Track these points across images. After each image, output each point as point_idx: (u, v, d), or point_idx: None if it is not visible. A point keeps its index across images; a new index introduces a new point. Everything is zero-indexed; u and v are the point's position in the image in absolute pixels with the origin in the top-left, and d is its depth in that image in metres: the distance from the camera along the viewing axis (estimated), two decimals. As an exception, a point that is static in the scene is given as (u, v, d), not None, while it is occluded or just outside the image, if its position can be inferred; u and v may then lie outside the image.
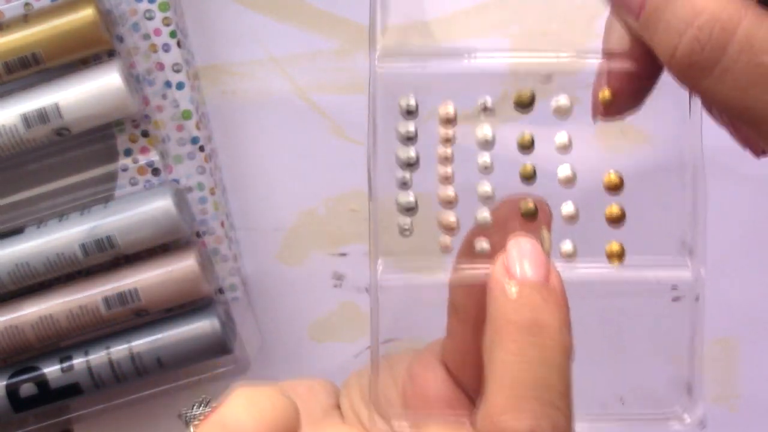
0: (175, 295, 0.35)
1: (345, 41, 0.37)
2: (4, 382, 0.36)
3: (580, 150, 0.27)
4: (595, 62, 0.27)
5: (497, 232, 0.27)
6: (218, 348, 0.36)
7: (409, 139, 0.27)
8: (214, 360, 0.37)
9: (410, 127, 0.27)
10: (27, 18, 0.34)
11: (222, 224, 0.36)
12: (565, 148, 0.27)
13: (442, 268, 0.27)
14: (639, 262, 0.27)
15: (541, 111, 0.27)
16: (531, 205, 0.27)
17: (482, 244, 0.27)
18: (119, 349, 0.35)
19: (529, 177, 0.27)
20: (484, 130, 0.27)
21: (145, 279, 0.35)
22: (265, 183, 0.38)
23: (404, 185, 0.27)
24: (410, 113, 0.27)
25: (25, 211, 0.36)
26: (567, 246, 0.27)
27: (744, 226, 0.37)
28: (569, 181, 0.27)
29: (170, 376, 0.37)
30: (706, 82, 0.23)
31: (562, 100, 0.27)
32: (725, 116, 0.27)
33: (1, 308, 0.35)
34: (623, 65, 0.26)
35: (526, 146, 0.27)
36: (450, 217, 0.27)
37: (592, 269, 0.27)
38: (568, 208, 0.27)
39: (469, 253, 0.27)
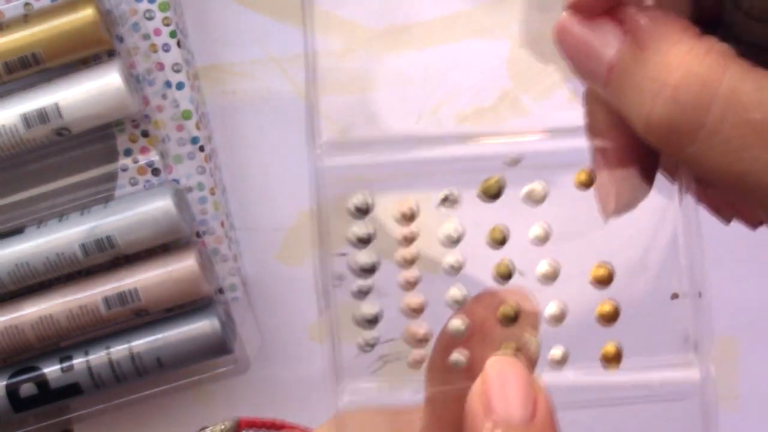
0: (175, 295, 0.35)
1: (345, 41, 0.37)
2: (4, 382, 0.36)
3: (559, 240, 0.24)
4: (570, 142, 0.24)
5: (473, 336, 0.23)
6: (218, 348, 0.36)
7: (363, 242, 0.24)
8: (214, 360, 0.37)
9: (363, 228, 0.24)
10: (27, 18, 0.34)
11: (222, 224, 0.36)
12: (542, 240, 0.24)
13: (411, 386, 0.24)
14: (638, 364, 0.25)
15: (513, 196, 0.24)
16: (510, 310, 0.24)
17: (457, 356, 0.24)
18: (119, 349, 0.35)
19: (505, 275, 0.24)
20: (449, 227, 0.24)
21: (145, 279, 0.35)
22: (265, 183, 0.38)
23: (361, 294, 0.24)
24: (362, 212, 0.25)
25: (25, 211, 0.36)
26: (555, 351, 0.24)
27: (743, 226, 0.37)
28: (551, 277, 0.24)
29: (170, 376, 0.37)
30: (691, 149, 0.19)
31: (536, 185, 0.24)
32: (711, 189, 0.23)
33: (1, 308, 0.35)
34: (605, 142, 0.22)
35: (499, 241, 0.24)
36: (418, 328, 0.24)
37: (586, 376, 0.24)
38: (551, 308, 0.24)
39: (441, 366, 0.24)
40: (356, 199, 0.24)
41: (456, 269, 0.24)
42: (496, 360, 0.23)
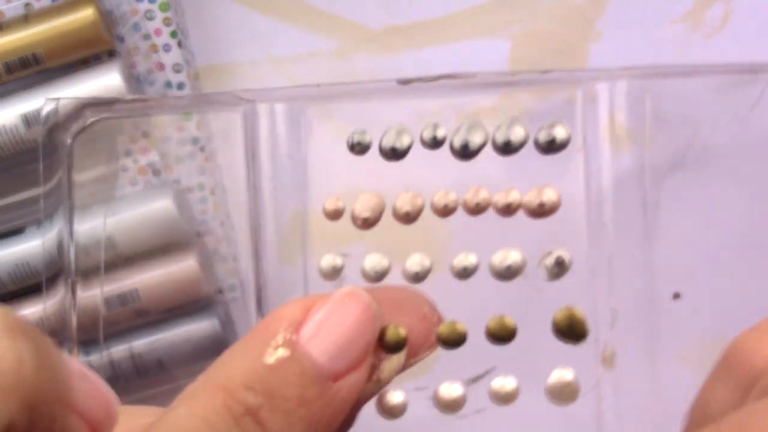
0: (175, 296, 0.35)
1: (345, 41, 0.37)
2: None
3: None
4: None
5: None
6: (218, 348, 0.36)
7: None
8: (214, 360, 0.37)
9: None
10: (27, 18, 0.34)
11: (222, 224, 0.36)
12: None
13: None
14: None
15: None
16: (400, 334, 0.23)
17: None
18: (119, 349, 0.35)
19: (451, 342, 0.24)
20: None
21: (145, 279, 0.35)
22: (265, 183, 0.38)
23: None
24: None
25: (25, 211, 0.36)
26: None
27: (744, 226, 0.37)
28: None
29: (170, 376, 0.37)
30: None
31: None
32: None
33: (1, 308, 0.35)
34: None
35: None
36: None
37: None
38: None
39: None
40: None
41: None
42: (351, 291, 0.22)
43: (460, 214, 0.26)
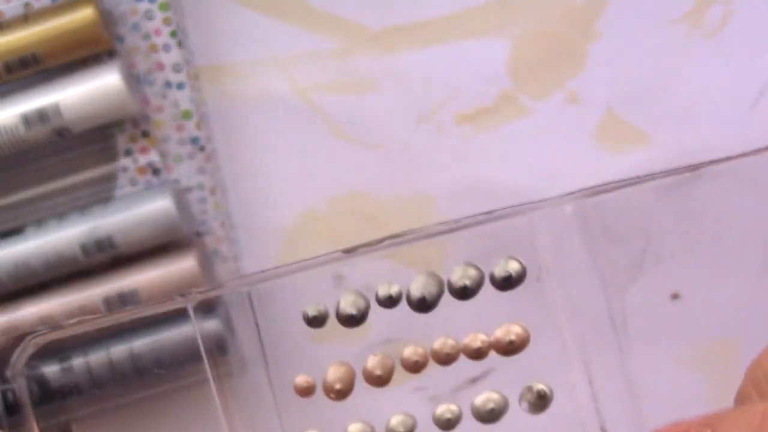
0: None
1: (345, 41, 0.37)
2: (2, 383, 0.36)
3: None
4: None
5: None
6: (218, 348, 0.36)
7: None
8: (215, 360, 0.37)
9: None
10: (27, 18, 0.34)
11: (222, 224, 0.36)
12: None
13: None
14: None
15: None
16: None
17: None
18: (119, 349, 0.35)
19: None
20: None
21: (145, 279, 0.35)
22: (265, 183, 0.38)
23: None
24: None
25: (25, 211, 0.36)
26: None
27: (744, 226, 0.37)
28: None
29: (170, 376, 0.37)
30: None
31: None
32: None
33: (1, 308, 0.35)
34: None
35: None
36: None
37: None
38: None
39: None
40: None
41: None
42: None
43: (431, 366, 0.27)
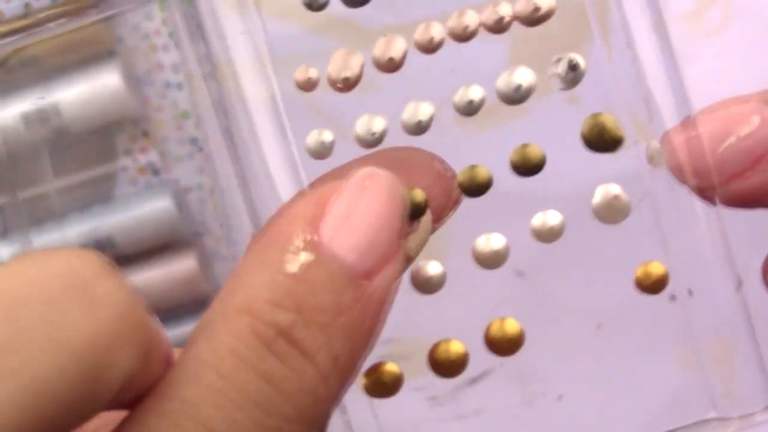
0: (174, 296, 0.35)
1: (345, 41, 0.37)
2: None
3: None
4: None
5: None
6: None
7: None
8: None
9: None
10: (27, 18, 0.34)
11: (221, 224, 0.36)
12: None
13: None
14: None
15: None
16: (419, 198, 0.19)
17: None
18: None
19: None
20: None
21: (144, 279, 0.35)
22: (265, 183, 0.38)
23: None
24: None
25: (25, 210, 0.36)
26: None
27: (744, 227, 0.37)
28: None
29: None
30: None
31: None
32: None
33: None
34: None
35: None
36: None
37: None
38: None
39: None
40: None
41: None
42: (369, 173, 0.18)
43: (448, 45, 0.23)
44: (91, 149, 0.36)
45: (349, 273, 0.17)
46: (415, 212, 0.19)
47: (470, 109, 0.22)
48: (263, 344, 0.16)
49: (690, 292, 0.23)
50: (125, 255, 0.35)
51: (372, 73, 0.23)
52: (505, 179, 0.22)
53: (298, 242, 0.17)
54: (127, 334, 0.15)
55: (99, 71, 0.34)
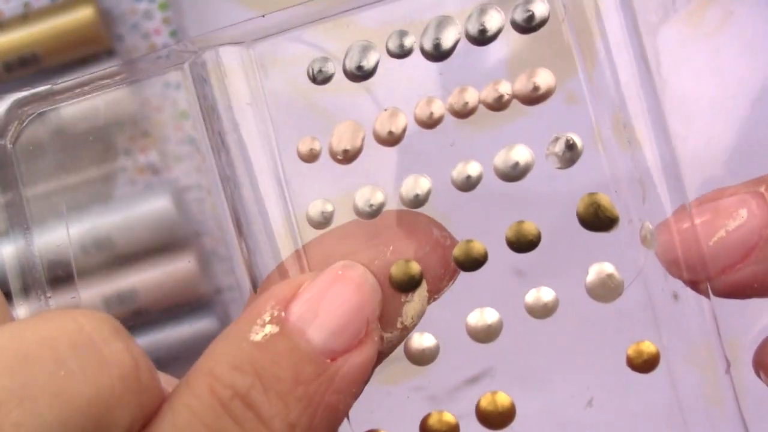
0: (174, 296, 0.35)
1: (345, 41, 0.37)
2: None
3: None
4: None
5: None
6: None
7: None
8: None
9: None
10: (26, 17, 0.34)
11: (221, 224, 0.36)
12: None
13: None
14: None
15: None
16: (414, 270, 0.20)
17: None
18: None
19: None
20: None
21: (144, 279, 0.35)
22: (265, 183, 0.38)
23: None
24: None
25: (25, 210, 0.36)
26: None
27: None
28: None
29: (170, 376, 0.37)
30: None
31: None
32: None
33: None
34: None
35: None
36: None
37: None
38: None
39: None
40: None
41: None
42: (344, 265, 0.20)
43: (448, 121, 0.23)
44: (90, 149, 0.36)
45: (312, 349, 0.18)
46: (410, 284, 0.20)
47: (468, 185, 0.23)
48: (219, 404, 0.18)
49: (680, 372, 0.23)
50: (124, 255, 0.35)
51: (372, 146, 0.23)
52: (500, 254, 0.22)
53: (266, 316, 0.19)
54: (130, 395, 0.16)
55: (98, 70, 0.34)
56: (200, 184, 0.36)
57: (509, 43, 0.23)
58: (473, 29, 0.22)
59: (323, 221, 0.23)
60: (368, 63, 0.23)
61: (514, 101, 0.22)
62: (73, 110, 0.34)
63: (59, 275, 0.36)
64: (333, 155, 0.24)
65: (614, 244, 0.22)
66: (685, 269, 0.20)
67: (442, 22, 0.23)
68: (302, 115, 0.27)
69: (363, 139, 0.23)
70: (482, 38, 0.23)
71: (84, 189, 0.36)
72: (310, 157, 0.24)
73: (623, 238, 0.22)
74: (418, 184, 0.22)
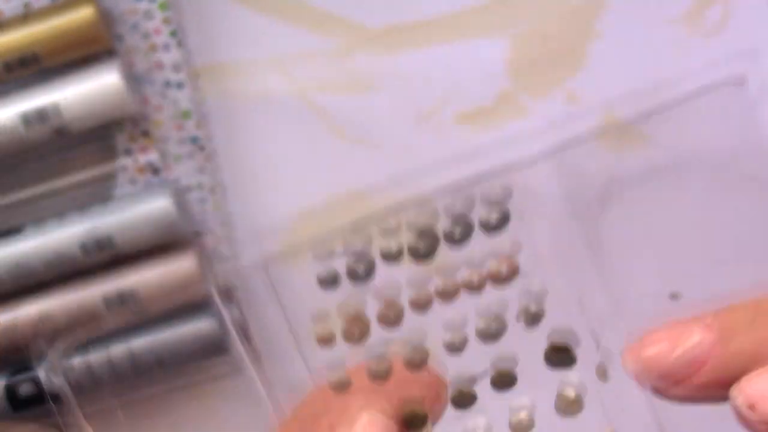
0: (174, 295, 0.35)
1: (345, 41, 0.37)
2: (3, 382, 0.36)
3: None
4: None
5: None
6: (218, 348, 0.36)
7: None
8: (214, 360, 0.37)
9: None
10: (26, 17, 0.34)
11: (221, 224, 0.36)
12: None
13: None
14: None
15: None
16: (422, 411, 0.24)
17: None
18: (118, 349, 0.35)
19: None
20: None
21: (144, 279, 0.35)
22: (265, 183, 0.38)
23: None
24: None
25: (25, 210, 0.36)
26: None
27: (744, 227, 0.37)
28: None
29: (169, 376, 0.37)
30: None
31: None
32: None
33: (1, 308, 0.35)
34: None
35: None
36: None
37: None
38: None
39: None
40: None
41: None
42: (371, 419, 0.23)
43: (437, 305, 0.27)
44: (90, 149, 0.36)
45: None
46: (420, 424, 0.23)
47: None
48: None
49: None
50: (125, 254, 0.35)
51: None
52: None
53: None
54: None
55: (98, 71, 0.34)
56: (201, 184, 0.36)
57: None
58: (450, 231, 0.27)
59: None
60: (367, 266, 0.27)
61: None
62: (74, 110, 0.34)
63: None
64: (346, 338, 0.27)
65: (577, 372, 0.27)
66: (648, 383, 0.25)
67: (422, 233, 0.27)
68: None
69: (369, 326, 0.27)
70: (457, 238, 0.27)
71: (84, 189, 0.36)
72: (328, 342, 0.28)
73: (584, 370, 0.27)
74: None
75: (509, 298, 0.27)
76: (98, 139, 0.36)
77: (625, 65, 0.37)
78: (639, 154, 0.37)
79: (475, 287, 0.26)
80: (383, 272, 0.28)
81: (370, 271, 0.27)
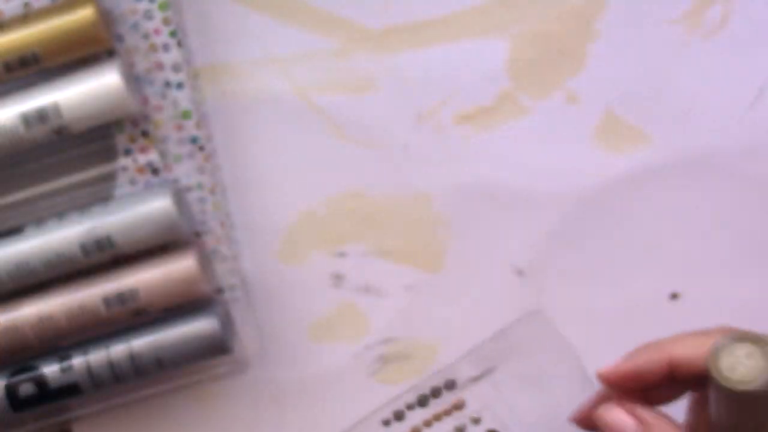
0: (174, 295, 0.35)
1: (345, 41, 0.37)
2: (4, 382, 0.36)
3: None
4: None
5: None
6: (218, 348, 0.36)
7: None
8: (214, 360, 0.37)
9: None
10: (26, 17, 0.34)
11: (222, 224, 0.36)
12: None
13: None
14: None
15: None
16: None
17: None
18: (119, 349, 0.35)
19: None
20: None
21: (144, 279, 0.35)
22: (265, 183, 0.38)
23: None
24: None
25: (24, 210, 0.36)
26: None
27: (744, 226, 0.37)
28: None
29: (170, 376, 0.37)
30: None
31: None
32: None
33: (1, 308, 0.35)
34: None
35: None
36: None
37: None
38: None
39: None
40: None
41: None
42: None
43: None
44: (90, 149, 0.36)
45: None
46: None
47: None
48: None
49: None
50: (125, 254, 0.35)
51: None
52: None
53: None
54: None
55: (99, 71, 0.34)
56: (201, 184, 0.36)
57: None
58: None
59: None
60: None
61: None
62: (74, 110, 0.34)
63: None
64: None
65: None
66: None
67: None
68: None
69: None
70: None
71: (84, 189, 0.36)
72: None
73: None
74: None
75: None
76: (98, 139, 0.36)
77: (625, 65, 0.37)
78: (639, 155, 0.37)
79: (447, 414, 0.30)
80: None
81: None
